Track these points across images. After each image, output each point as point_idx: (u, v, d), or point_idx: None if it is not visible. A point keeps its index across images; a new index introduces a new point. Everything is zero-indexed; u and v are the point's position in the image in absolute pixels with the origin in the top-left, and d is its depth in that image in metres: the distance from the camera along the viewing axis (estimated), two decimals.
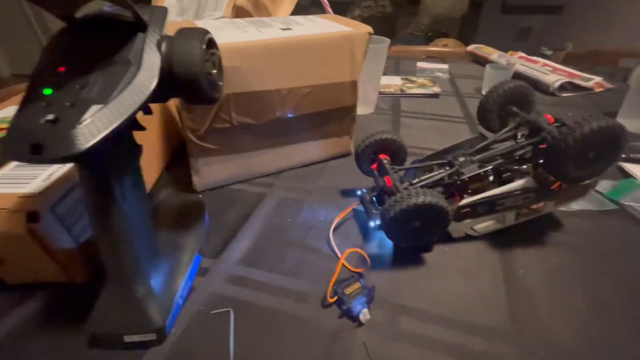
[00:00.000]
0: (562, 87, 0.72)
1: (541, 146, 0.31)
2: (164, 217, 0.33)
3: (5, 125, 0.32)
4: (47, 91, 0.19)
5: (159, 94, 0.22)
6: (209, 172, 0.40)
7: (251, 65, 0.34)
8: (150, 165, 0.41)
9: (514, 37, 2.24)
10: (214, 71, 0.24)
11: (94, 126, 0.18)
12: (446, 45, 1.93)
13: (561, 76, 0.73)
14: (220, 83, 0.26)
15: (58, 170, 0.29)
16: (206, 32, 0.23)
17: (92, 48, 0.21)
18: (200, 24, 0.39)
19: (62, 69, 0.20)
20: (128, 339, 0.24)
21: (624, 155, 0.46)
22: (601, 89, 0.74)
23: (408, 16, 2.66)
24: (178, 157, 0.47)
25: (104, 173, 0.21)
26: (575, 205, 0.38)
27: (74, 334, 0.25)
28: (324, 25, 0.40)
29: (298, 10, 0.62)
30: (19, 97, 0.43)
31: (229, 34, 0.35)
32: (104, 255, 0.23)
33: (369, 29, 0.40)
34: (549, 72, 0.75)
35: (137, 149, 0.24)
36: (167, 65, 0.22)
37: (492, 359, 0.24)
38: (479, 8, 2.36)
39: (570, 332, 0.26)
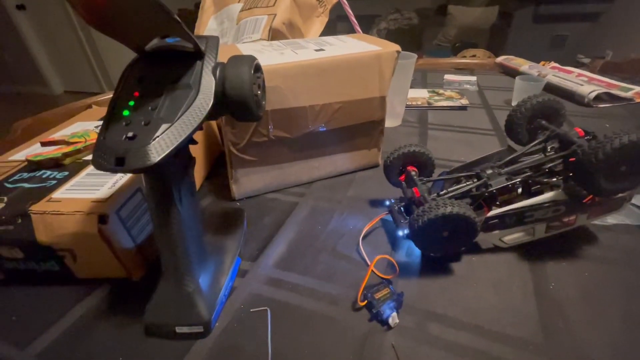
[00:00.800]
0: (599, 98, 0.70)
1: (571, 159, 0.31)
2: (208, 222, 0.36)
3: (77, 140, 0.37)
4: (126, 112, 0.22)
5: (213, 113, 0.25)
6: (246, 181, 0.43)
7: (288, 84, 0.38)
8: (195, 175, 0.45)
9: (547, 47, 2.17)
10: (259, 92, 0.27)
11: (163, 142, 0.21)
12: (475, 56, 1.91)
13: (597, 86, 0.71)
14: (264, 102, 0.29)
15: (121, 179, 0.33)
16: (254, 58, 0.27)
17: (160, 75, 0.24)
18: (241, 47, 0.42)
19: (136, 93, 0.23)
20: (179, 329, 0.27)
21: None
22: None
23: (435, 27, 2.66)
24: (215, 168, 0.50)
25: (167, 181, 0.24)
26: (611, 219, 0.37)
27: (132, 324, 0.28)
28: (355, 45, 0.43)
29: (326, 25, 0.65)
30: (82, 115, 0.49)
31: (269, 56, 0.38)
32: (162, 253, 0.27)
33: (397, 47, 0.42)
34: (584, 82, 0.74)
35: (191, 160, 0.27)
36: (221, 88, 0.25)
37: None
38: (510, 18, 2.32)
39: (604, 347, 0.26)
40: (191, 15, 0.67)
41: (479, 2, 2.41)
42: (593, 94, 0.69)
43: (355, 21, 0.60)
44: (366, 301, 0.29)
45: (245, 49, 0.41)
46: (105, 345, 0.27)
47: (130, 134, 0.21)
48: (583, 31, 2.08)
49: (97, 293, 0.32)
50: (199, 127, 0.24)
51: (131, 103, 0.23)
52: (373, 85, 0.42)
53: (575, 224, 0.33)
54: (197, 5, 0.68)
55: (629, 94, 0.71)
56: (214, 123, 0.52)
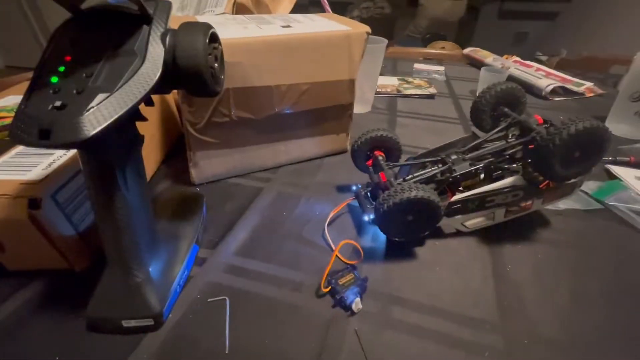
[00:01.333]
0: (554, 91, 0.73)
1: (530, 146, 0.32)
2: (163, 207, 0.33)
3: (6, 114, 0.32)
4: (54, 79, 0.19)
5: (162, 85, 0.22)
6: (207, 165, 0.40)
7: (251, 60, 0.35)
8: (149, 158, 0.41)
9: (510, 42, 2.26)
10: (216, 64, 0.25)
11: (99, 114, 0.18)
12: (443, 48, 1.95)
13: (554, 81, 0.75)
14: (222, 76, 0.27)
15: (59, 159, 0.29)
16: (209, 26, 0.24)
17: (98, 39, 0.21)
18: (201, 19, 0.39)
19: (68, 58, 0.20)
20: (126, 323, 0.25)
21: (610, 158, 0.47)
22: (592, 94, 0.75)
23: (406, 18, 2.68)
24: (175, 151, 0.47)
25: (108, 160, 0.22)
26: (562, 205, 0.39)
27: (73, 320, 0.26)
28: (324, 24, 0.41)
29: (297, 10, 0.62)
30: (17, 88, 0.43)
31: (230, 30, 0.36)
32: (105, 241, 0.24)
33: (367, 28, 0.41)
34: (542, 76, 0.77)
35: (139, 139, 0.25)
36: (171, 57, 0.22)
37: (479, 347, 0.25)
38: (476, 12, 2.39)
39: (554, 323, 0.27)
40: None
41: None
42: (550, 87, 0.72)
43: (326, 1, 0.58)
44: (330, 287, 0.28)
45: (205, 21, 0.38)
46: (41, 343, 0.25)
47: (58, 103, 0.18)
48: (542, 29, 2.19)
49: (33, 286, 0.28)
50: (145, 100, 0.21)
51: (61, 68, 0.20)
52: (342, 66, 0.41)
53: (532, 208, 0.34)
54: None
55: (581, 89, 0.75)
56: (172, 101, 0.48)
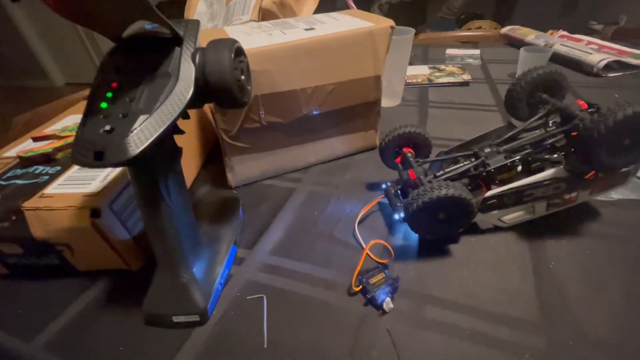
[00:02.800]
0: (609, 67, 0.66)
1: (573, 134, 0.30)
2: (203, 211, 0.36)
3: (68, 134, 0.37)
4: (104, 105, 0.22)
5: (195, 101, 0.24)
6: (241, 169, 0.42)
7: (277, 66, 0.36)
8: (189, 164, 0.44)
9: (559, 14, 2.06)
10: (242, 77, 0.26)
11: (142, 134, 0.21)
12: (480, 28, 1.83)
13: (607, 55, 0.67)
14: (249, 87, 0.28)
15: (112, 172, 0.32)
16: (234, 41, 0.25)
17: (138, 64, 0.23)
18: (229, 30, 0.41)
19: (114, 84, 0.23)
20: (176, 319, 0.27)
21: None
22: None
23: None
24: (213, 156, 0.50)
25: (151, 173, 0.24)
26: (616, 194, 0.36)
27: (132, 314, 0.29)
28: (346, 22, 0.41)
29: (322, 3, 0.62)
30: (75, 107, 0.49)
31: (256, 38, 0.37)
32: (154, 246, 0.27)
33: (391, 22, 0.40)
34: (593, 51, 0.70)
35: (178, 151, 0.27)
36: (201, 74, 0.24)
37: (518, 348, 0.25)
38: None
39: (604, 325, 0.26)
40: None
41: None
42: (602, 63, 0.65)
43: None
44: (361, 286, 0.29)
45: (232, 32, 0.40)
46: (107, 335, 0.28)
47: (107, 127, 0.20)
48: None
49: (99, 284, 0.32)
50: (182, 116, 0.23)
51: (109, 95, 0.22)
52: (367, 64, 0.41)
53: (577, 200, 0.32)
54: None
55: None
56: (208, 110, 0.51)
